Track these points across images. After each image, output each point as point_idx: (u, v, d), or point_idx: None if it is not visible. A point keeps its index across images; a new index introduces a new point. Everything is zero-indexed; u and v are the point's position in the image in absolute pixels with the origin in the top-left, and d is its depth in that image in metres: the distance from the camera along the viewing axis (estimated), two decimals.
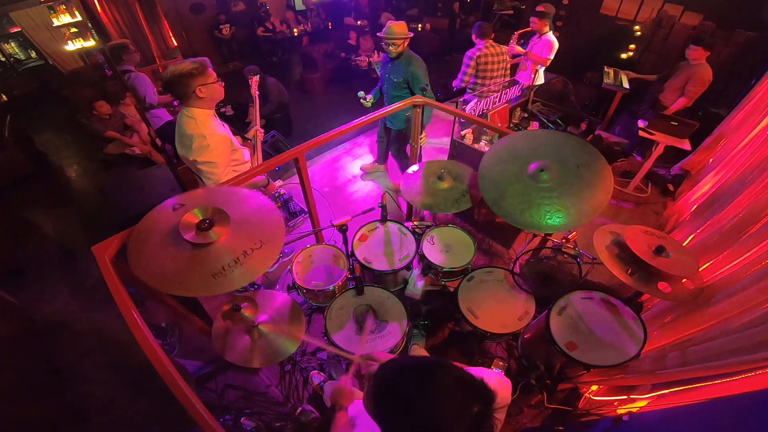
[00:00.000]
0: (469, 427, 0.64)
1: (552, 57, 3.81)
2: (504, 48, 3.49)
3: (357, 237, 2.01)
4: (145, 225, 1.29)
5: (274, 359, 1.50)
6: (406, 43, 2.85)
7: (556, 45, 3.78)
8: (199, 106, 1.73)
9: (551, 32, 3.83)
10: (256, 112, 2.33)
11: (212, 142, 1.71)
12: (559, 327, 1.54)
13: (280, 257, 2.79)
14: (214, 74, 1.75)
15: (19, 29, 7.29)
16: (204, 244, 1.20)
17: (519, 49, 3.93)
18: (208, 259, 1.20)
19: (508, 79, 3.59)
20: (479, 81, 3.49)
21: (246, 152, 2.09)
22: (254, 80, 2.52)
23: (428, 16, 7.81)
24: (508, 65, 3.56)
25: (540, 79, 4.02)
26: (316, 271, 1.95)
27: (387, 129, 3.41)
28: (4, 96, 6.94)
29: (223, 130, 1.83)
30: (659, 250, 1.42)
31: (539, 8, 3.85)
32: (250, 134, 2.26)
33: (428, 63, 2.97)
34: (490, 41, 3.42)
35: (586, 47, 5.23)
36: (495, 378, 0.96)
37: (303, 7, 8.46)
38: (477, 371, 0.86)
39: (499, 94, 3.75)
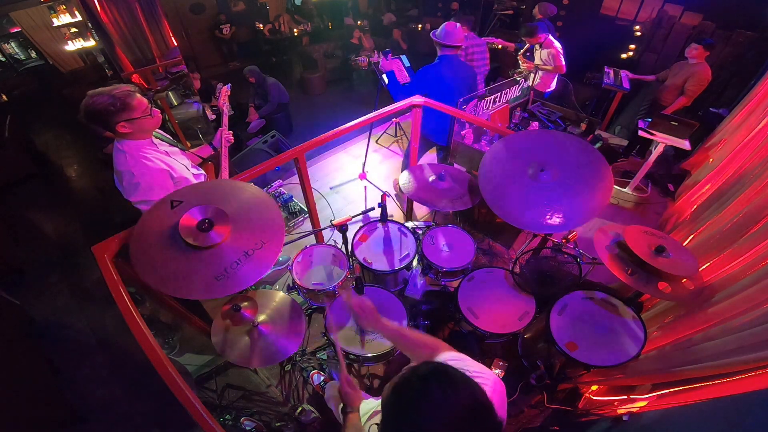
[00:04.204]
0: None
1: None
2: (480, 39, 3.72)
3: (357, 237, 2.01)
4: (144, 225, 1.28)
5: (273, 359, 1.50)
6: (439, 51, 2.77)
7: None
8: (129, 138, 1.53)
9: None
10: (223, 126, 2.02)
11: (143, 180, 1.50)
12: (559, 327, 1.54)
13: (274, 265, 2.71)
14: (144, 105, 1.51)
15: (19, 29, 7.29)
16: (206, 247, 1.20)
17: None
18: (210, 260, 1.19)
19: (487, 68, 3.88)
20: None
21: (200, 178, 1.89)
22: (224, 91, 2.20)
23: (428, 16, 7.82)
24: (487, 55, 3.82)
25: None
26: (316, 271, 1.95)
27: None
28: (4, 96, 6.94)
29: (158, 162, 1.59)
30: (659, 250, 1.42)
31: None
32: (215, 140, 2.03)
33: (428, 63, 2.91)
34: (471, 32, 3.65)
35: (586, 47, 5.23)
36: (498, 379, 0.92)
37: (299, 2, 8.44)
38: (486, 376, 0.83)
39: (499, 94, 3.76)
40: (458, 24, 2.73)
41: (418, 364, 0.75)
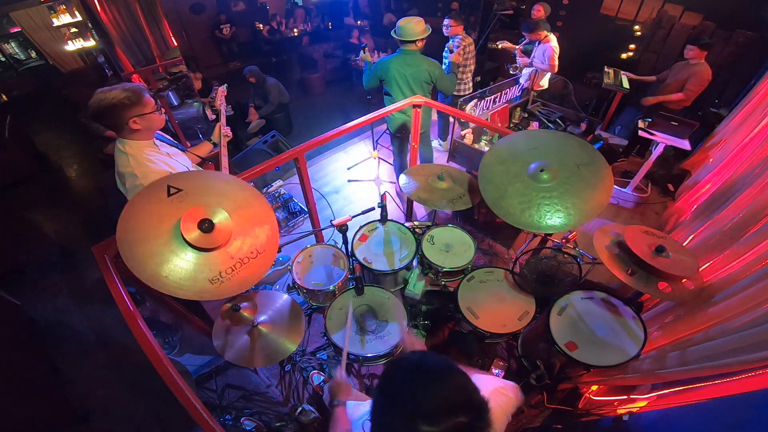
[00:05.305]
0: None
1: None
2: (470, 39, 3.72)
3: (357, 237, 2.01)
4: (136, 214, 1.18)
5: (273, 359, 1.50)
6: (400, 45, 2.86)
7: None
8: (134, 138, 1.55)
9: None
10: (222, 126, 2.00)
11: (146, 181, 1.49)
12: (559, 327, 1.54)
13: (274, 266, 2.73)
14: (152, 102, 1.54)
15: (19, 29, 7.29)
16: (205, 249, 1.20)
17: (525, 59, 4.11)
18: (207, 263, 1.19)
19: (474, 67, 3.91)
20: (461, 69, 3.71)
21: None
22: (220, 91, 2.20)
23: (428, 16, 7.81)
24: (475, 53, 3.83)
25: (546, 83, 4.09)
26: (316, 271, 1.95)
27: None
28: (4, 96, 6.94)
29: (161, 164, 1.60)
30: (659, 250, 1.42)
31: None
32: (214, 136, 2.02)
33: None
34: (464, 32, 3.65)
35: (586, 47, 5.23)
36: (503, 387, 0.94)
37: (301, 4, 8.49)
38: (486, 382, 0.85)
39: (499, 93, 3.78)
40: (418, 18, 2.78)
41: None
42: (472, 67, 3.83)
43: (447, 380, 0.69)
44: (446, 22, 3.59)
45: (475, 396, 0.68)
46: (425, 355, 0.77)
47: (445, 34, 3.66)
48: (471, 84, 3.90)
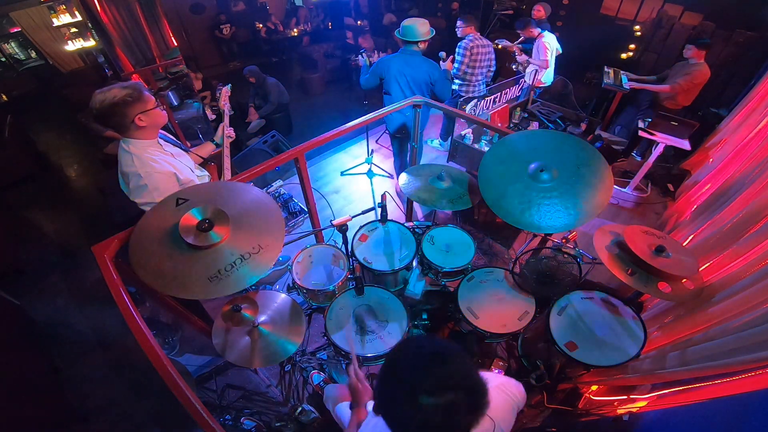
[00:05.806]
0: (442, 407, 0.66)
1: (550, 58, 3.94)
2: (487, 41, 3.64)
3: (357, 237, 2.01)
4: (147, 222, 1.28)
5: (273, 359, 1.50)
6: (401, 45, 2.88)
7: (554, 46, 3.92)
8: (139, 137, 1.53)
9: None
10: (225, 127, 1.99)
11: (150, 182, 1.50)
12: (559, 327, 1.54)
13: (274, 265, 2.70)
14: (152, 98, 1.54)
15: (19, 29, 7.29)
16: (202, 247, 1.20)
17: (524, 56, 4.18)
18: (206, 261, 1.19)
19: (493, 69, 3.77)
20: (469, 71, 3.65)
21: (205, 180, 1.90)
22: (224, 91, 2.20)
23: (428, 16, 7.80)
24: (493, 56, 3.72)
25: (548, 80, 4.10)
26: (316, 271, 1.95)
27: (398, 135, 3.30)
28: (4, 96, 6.93)
29: (165, 164, 1.59)
30: (659, 250, 1.42)
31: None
32: (217, 137, 2.01)
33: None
34: (477, 33, 3.60)
35: (586, 47, 5.24)
36: (507, 384, 0.97)
37: (301, 4, 8.52)
38: (492, 378, 0.89)
39: (499, 93, 3.78)
40: (423, 20, 2.80)
41: None
42: (486, 71, 3.68)
43: (450, 360, 0.72)
44: (458, 23, 3.61)
45: (475, 378, 0.72)
46: (433, 338, 0.82)
47: (458, 35, 3.65)
48: (482, 86, 3.76)
